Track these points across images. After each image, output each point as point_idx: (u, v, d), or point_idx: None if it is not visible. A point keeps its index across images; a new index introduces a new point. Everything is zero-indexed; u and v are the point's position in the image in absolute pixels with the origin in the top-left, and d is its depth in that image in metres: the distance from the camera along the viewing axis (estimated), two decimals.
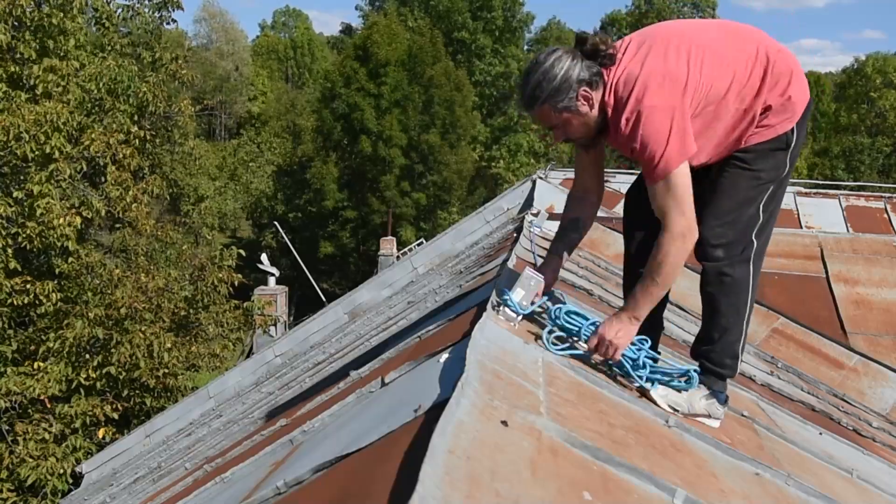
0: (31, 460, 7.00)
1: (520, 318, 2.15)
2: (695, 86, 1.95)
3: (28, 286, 7.64)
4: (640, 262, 2.12)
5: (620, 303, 3.58)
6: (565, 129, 2.09)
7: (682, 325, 3.90)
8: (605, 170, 2.46)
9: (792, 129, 2.03)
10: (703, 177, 2.13)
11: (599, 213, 2.66)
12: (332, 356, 4.38)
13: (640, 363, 2.07)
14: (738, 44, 2.04)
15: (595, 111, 2.04)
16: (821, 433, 2.89)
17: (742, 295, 2.12)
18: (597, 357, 2.11)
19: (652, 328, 2.30)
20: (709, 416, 2.09)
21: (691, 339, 3.75)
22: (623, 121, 1.97)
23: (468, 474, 1.09)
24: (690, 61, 1.96)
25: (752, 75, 2.00)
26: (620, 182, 9.84)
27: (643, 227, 2.23)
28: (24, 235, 7.70)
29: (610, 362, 2.10)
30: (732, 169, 2.08)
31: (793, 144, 2.05)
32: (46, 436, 7.25)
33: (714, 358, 2.15)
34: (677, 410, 2.05)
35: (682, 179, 1.94)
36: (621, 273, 4.46)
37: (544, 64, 2.00)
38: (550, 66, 1.98)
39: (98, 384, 7.68)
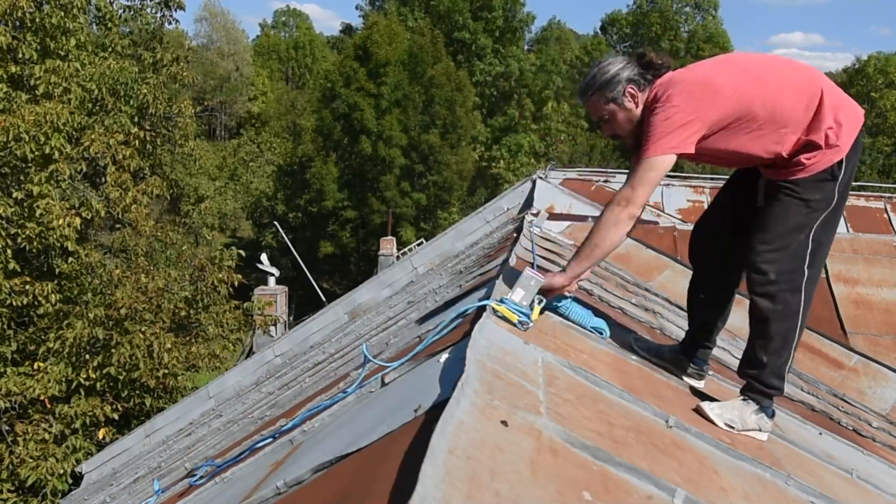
0: (31, 460, 7.00)
1: (530, 323, 2.14)
2: (732, 102, 2.14)
3: (27, 287, 7.64)
4: (699, 288, 2.53)
5: (620, 303, 3.59)
6: (612, 121, 2.36)
7: (683, 326, 3.89)
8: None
9: (840, 163, 2.14)
10: (746, 203, 2.34)
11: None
12: (332, 356, 4.38)
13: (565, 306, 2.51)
14: (791, 76, 2.20)
15: (639, 110, 2.31)
16: (821, 433, 2.89)
17: (793, 321, 2.21)
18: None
19: (700, 344, 2.55)
20: (759, 430, 2.23)
21: None
22: (650, 112, 2.24)
23: (468, 474, 1.09)
24: (737, 80, 2.17)
25: (798, 106, 2.15)
26: (619, 182, 9.81)
27: (709, 256, 2.50)
28: (23, 236, 7.69)
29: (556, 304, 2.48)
30: (784, 198, 2.20)
31: (840, 176, 2.14)
32: (46, 436, 7.25)
33: (762, 380, 2.25)
34: (733, 427, 2.20)
35: (659, 167, 2.17)
36: (621, 273, 4.46)
37: (602, 63, 2.35)
38: (607, 64, 2.33)
39: (98, 384, 7.68)
